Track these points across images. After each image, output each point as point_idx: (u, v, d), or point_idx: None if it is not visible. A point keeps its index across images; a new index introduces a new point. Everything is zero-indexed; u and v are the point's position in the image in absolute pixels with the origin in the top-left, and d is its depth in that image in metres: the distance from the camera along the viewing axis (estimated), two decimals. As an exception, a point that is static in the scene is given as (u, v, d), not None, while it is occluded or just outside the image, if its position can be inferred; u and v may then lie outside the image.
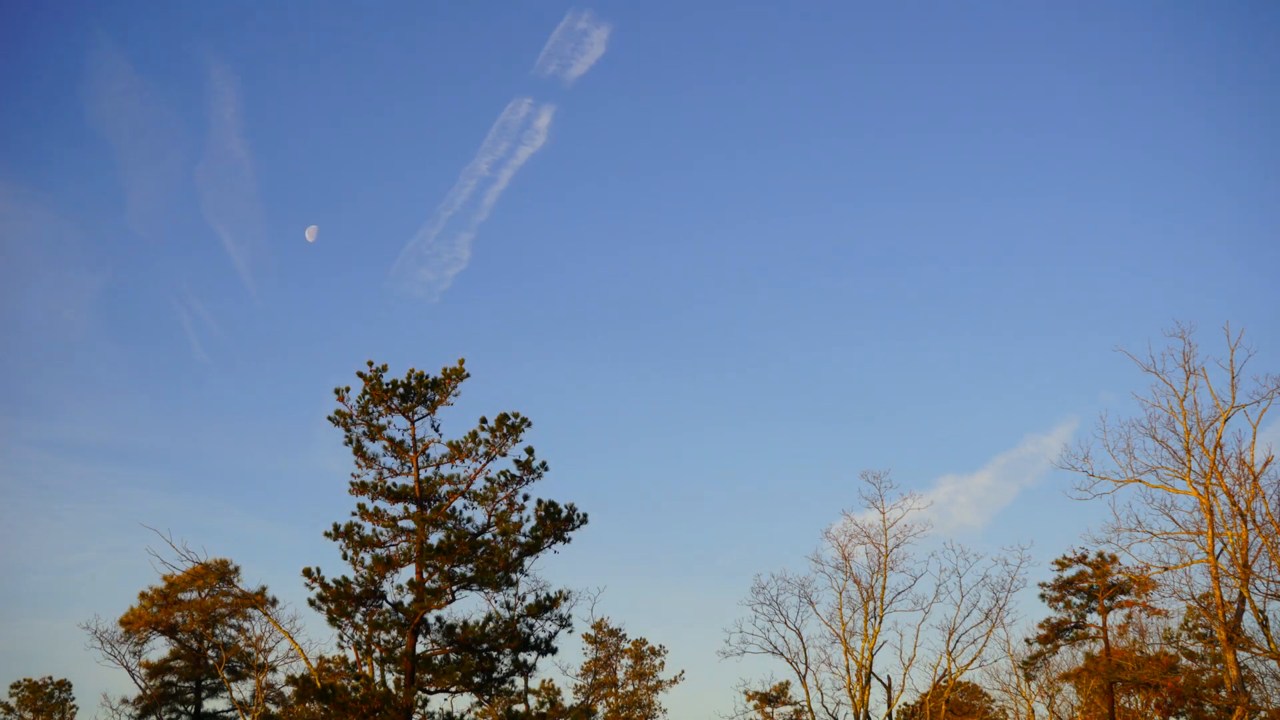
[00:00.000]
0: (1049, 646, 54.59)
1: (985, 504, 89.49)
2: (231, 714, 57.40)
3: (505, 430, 31.78)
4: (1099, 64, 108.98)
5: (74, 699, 64.70)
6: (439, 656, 31.36)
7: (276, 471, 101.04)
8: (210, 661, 55.62)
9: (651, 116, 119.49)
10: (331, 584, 30.64)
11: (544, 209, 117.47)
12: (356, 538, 31.27)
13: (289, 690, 52.20)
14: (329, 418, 32.04)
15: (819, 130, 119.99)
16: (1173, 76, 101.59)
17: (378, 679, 31.71)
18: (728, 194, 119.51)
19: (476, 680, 31.73)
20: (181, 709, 57.28)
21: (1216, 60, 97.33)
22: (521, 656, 32.42)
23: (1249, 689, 35.20)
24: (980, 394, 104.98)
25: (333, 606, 30.66)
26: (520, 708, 45.33)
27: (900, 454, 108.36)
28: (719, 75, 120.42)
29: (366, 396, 31.82)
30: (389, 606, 31.19)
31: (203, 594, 55.17)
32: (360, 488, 31.79)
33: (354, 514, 31.65)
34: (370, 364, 31.85)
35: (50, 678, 64.31)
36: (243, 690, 57.41)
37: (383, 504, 31.82)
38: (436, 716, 32.10)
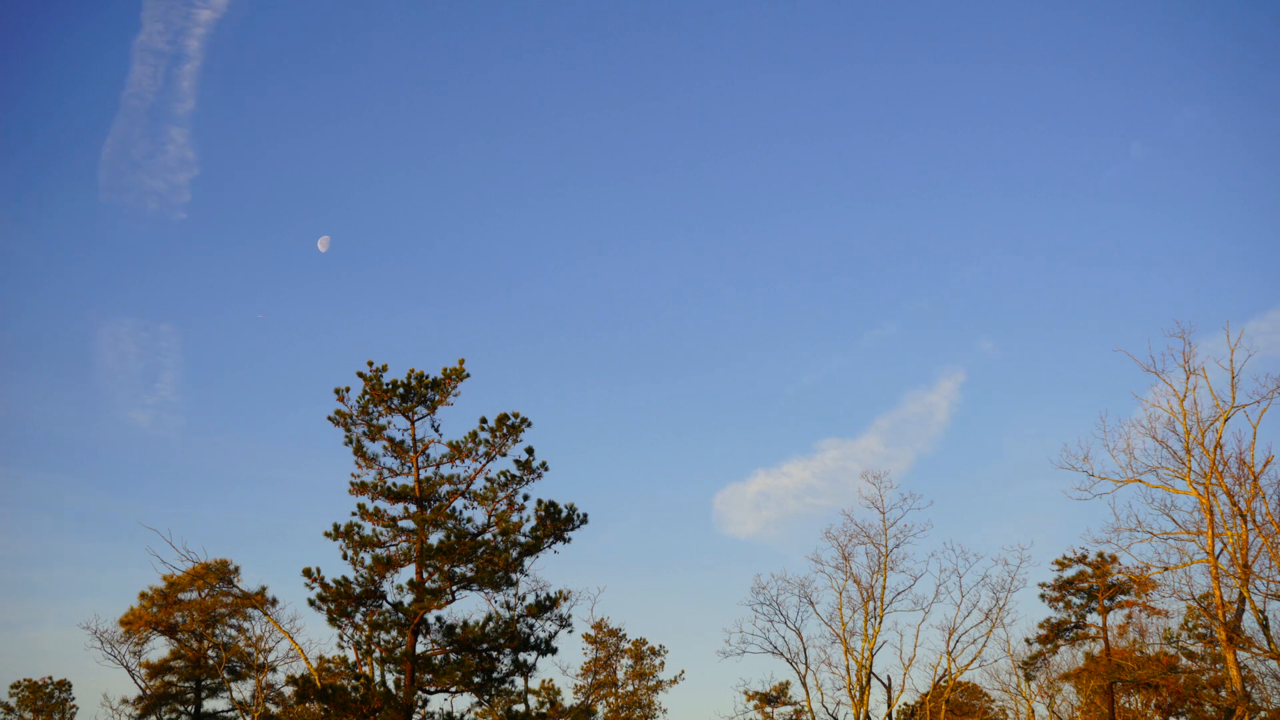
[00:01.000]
0: (1049, 646, 54.58)
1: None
2: (231, 714, 57.39)
3: (505, 430, 31.77)
4: (1099, 64, 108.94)
5: (74, 699, 64.73)
6: (439, 656, 31.35)
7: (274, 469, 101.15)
8: (210, 661, 55.59)
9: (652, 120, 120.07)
10: (331, 584, 30.63)
11: (526, 214, 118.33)
12: (356, 538, 31.25)
13: (289, 690, 52.25)
14: (329, 418, 32.06)
15: (817, 130, 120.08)
16: (1173, 76, 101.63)
17: (378, 679, 31.70)
18: (728, 194, 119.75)
19: (476, 680, 31.72)
20: (181, 709, 57.25)
21: (1217, 60, 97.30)
22: (521, 656, 32.42)
23: (1249, 689, 35.18)
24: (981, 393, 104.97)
25: (333, 606, 30.65)
26: (520, 708, 45.34)
27: (900, 457, 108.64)
28: (711, 77, 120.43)
29: (366, 396, 31.81)
30: (389, 606, 31.18)
31: (203, 594, 55.15)
32: (360, 488, 31.78)
33: (354, 514, 31.66)
34: (370, 364, 31.88)
35: (50, 678, 64.32)
36: (243, 690, 57.43)
37: (383, 504, 31.83)
38: (436, 716, 32.10)
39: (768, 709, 60.27)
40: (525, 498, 32.09)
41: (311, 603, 30.70)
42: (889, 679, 45.20)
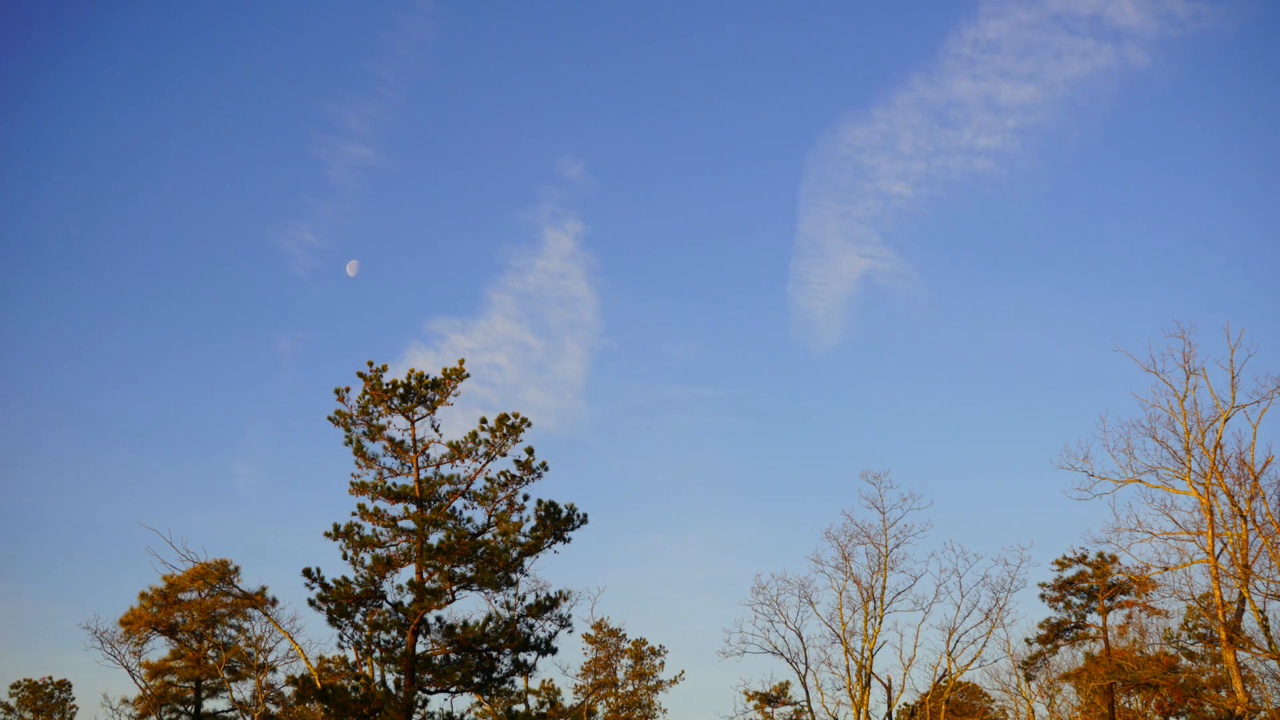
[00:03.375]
0: (1049, 646, 54.60)
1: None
2: (231, 714, 57.40)
3: (505, 430, 31.78)
4: (1099, 67, 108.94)
5: (74, 699, 64.78)
6: (439, 656, 31.36)
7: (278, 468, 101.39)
8: (210, 661, 55.59)
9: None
10: (331, 584, 30.64)
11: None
12: (356, 538, 31.26)
13: (289, 690, 52.27)
14: (329, 418, 32.07)
15: (813, 131, 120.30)
16: (1172, 79, 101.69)
17: (378, 679, 31.71)
18: (726, 198, 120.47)
19: (476, 680, 31.74)
20: (181, 709, 57.27)
21: (1216, 62, 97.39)
22: (521, 656, 32.42)
23: (1249, 689, 35.18)
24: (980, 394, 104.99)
25: (333, 606, 30.66)
26: (520, 708, 45.39)
27: (899, 457, 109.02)
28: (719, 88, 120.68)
29: (366, 396, 31.83)
30: (389, 606, 31.19)
31: (203, 594, 55.17)
32: (360, 488, 31.79)
33: (354, 514, 31.68)
34: (370, 364, 31.89)
35: (50, 678, 64.36)
36: (243, 690, 57.43)
37: (383, 504, 31.84)
38: (436, 716, 32.12)
39: (768, 709, 60.27)
40: (525, 498, 32.15)
41: (311, 603, 30.73)
42: (889, 679, 45.25)
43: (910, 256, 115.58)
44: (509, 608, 35.98)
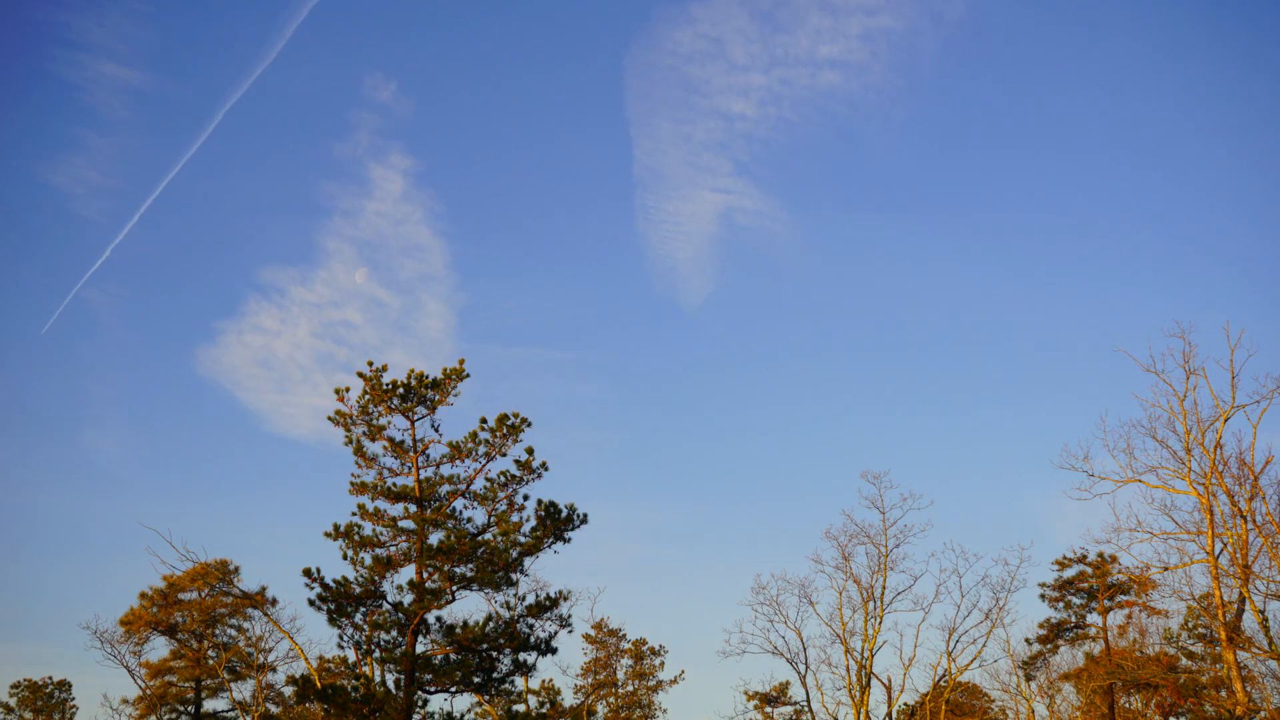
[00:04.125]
0: (1049, 646, 54.59)
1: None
2: (231, 714, 57.38)
3: (505, 430, 31.77)
4: (1099, 70, 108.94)
5: (74, 699, 64.82)
6: (439, 656, 31.35)
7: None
8: (210, 661, 55.58)
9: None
10: (331, 584, 30.63)
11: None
12: (356, 538, 31.25)
13: (289, 690, 52.25)
14: (329, 418, 32.06)
15: (815, 138, 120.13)
16: (1172, 82, 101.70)
17: (378, 679, 31.71)
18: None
19: (476, 680, 31.73)
20: (181, 709, 57.25)
21: (1214, 67, 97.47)
22: (521, 656, 32.41)
23: (1249, 689, 35.16)
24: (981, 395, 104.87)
25: (333, 606, 30.65)
26: (520, 708, 45.39)
27: (899, 455, 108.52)
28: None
29: (366, 396, 31.82)
30: (389, 606, 31.18)
31: (203, 594, 55.16)
32: (360, 488, 31.78)
33: (354, 514, 31.66)
34: (370, 364, 31.88)
35: (50, 678, 64.39)
36: (243, 690, 57.41)
37: (383, 504, 31.82)
38: (436, 716, 32.13)
39: (768, 709, 60.25)
40: (525, 498, 32.12)
41: (311, 603, 30.72)
42: (889, 679, 45.25)
43: (772, 192, 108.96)
44: (509, 608, 35.99)
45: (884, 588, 44.28)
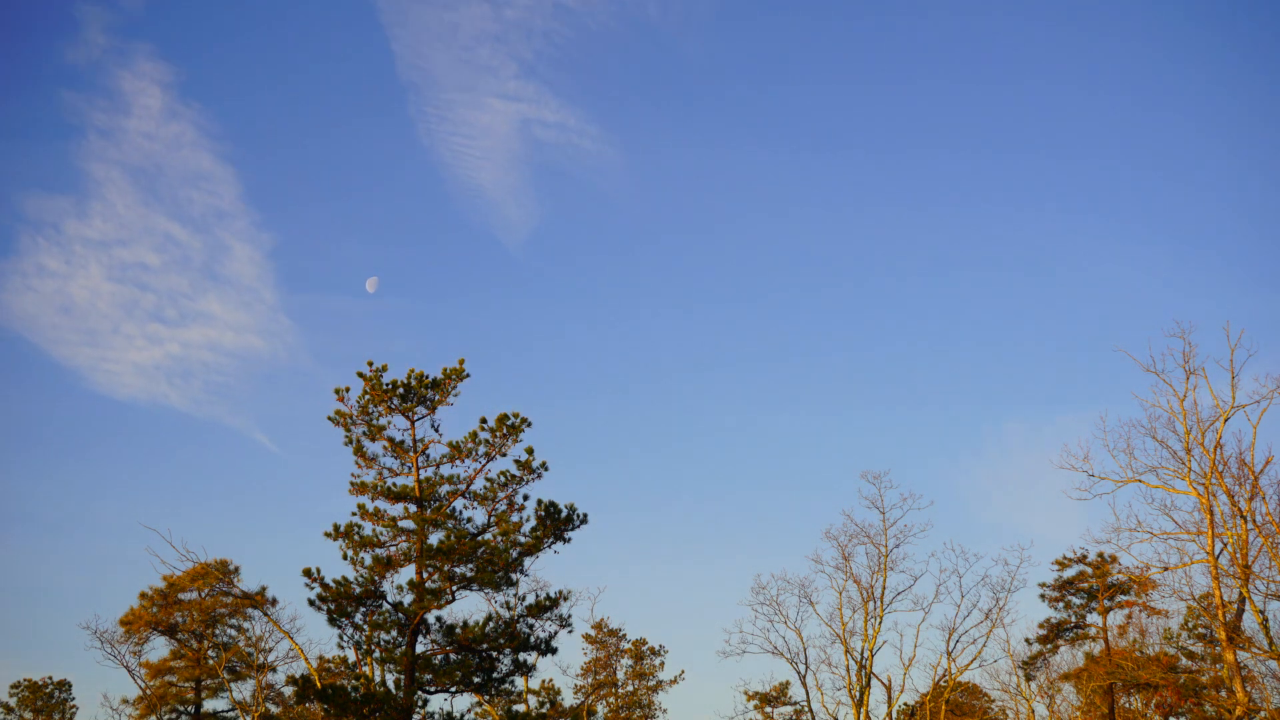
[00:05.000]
0: (1049, 646, 54.60)
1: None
2: (231, 714, 57.38)
3: (505, 430, 31.78)
4: (1099, 71, 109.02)
5: (74, 699, 64.84)
6: (439, 656, 31.36)
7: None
8: (210, 661, 55.58)
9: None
10: (331, 584, 30.64)
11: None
12: (356, 538, 31.27)
13: (289, 690, 52.25)
14: (329, 418, 32.08)
15: (816, 140, 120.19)
16: (1171, 82, 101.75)
17: (378, 679, 31.72)
18: (727, 195, 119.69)
19: (476, 680, 31.74)
20: (181, 709, 57.24)
21: (1214, 66, 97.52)
22: (521, 656, 32.43)
23: (1249, 689, 35.16)
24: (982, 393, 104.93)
25: (333, 606, 30.66)
26: (520, 708, 45.39)
27: (899, 455, 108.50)
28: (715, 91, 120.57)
29: (366, 396, 31.83)
30: (389, 606, 31.19)
31: (203, 594, 55.15)
32: (360, 488, 31.80)
33: (354, 514, 31.69)
34: (370, 364, 31.90)
35: (50, 678, 64.40)
36: (243, 690, 57.41)
37: (383, 504, 31.85)
38: (436, 716, 32.13)
39: (768, 709, 60.24)
40: (525, 498, 32.15)
41: (311, 603, 30.74)
42: (889, 679, 45.25)
43: (574, 102, 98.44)
44: (509, 608, 36.00)
45: (884, 588, 44.32)
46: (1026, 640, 54.70)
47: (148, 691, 56.47)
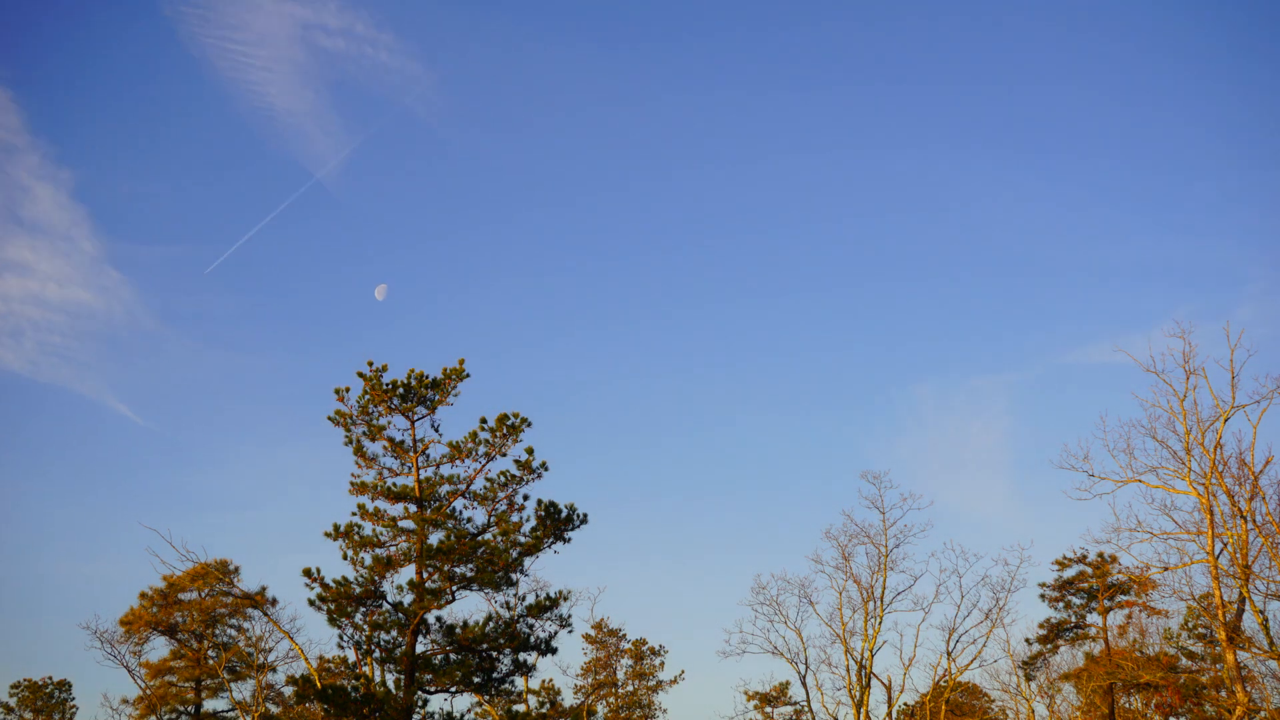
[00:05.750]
0: (1049, 646, 54.60)
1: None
2: (231, 714, 57.38)
3: (505, 430, 31.79)
4: (1099, 70, 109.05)
5: (74, 699, 64.84)
6: (439, 656, 31.36)
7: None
8: (210, 661, 55.58)
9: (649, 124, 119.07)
10: (331, 584, 30.65)
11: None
12: (356, 538, 31.27)
13: (289, 690, 52.24)
14: (329, 418, 32.10)
15: (818, 143, 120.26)
16: (1170, 81, 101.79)
17: (378, 679, 31.71)
18: (733, 199, 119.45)
19: (476, 680, 31.74)
20: (181, 709, 57.24)
21: (1214, 66, 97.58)
22: (521, 656, 32.43)
23: (1249, 689, 35.17)
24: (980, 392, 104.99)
25: (333, 606, 30.67)
26: (520, 708, 45.37)
27: (900, 455, 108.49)
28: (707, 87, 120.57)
29: (366, 396, 31.84)
30: (389, 606, 31.19)
31: (203, 594, 55.15)
32: (360, 488, 31.81)
33: (354, 514, 31.70)
34: (370, 364, 31.91)
35: (50, 678, 64.41)
36: (243, 690, 57.41)
37: (383, 504, 31.86)
38: (436, 716, 32.12)
39: (768, 709, 60.24)
40: (525, 498, 32.16)
41: (311, 603, 30.75)
42: (889, 679, 45.24)
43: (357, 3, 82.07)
44: (509, 608, 35.98)
45: (884, 588, 44.31)
46: (1026, 640, 54.76)
47: (148, 691, 56.47)
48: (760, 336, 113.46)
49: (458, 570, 31.35)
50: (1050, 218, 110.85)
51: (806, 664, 45.50)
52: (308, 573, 30.61)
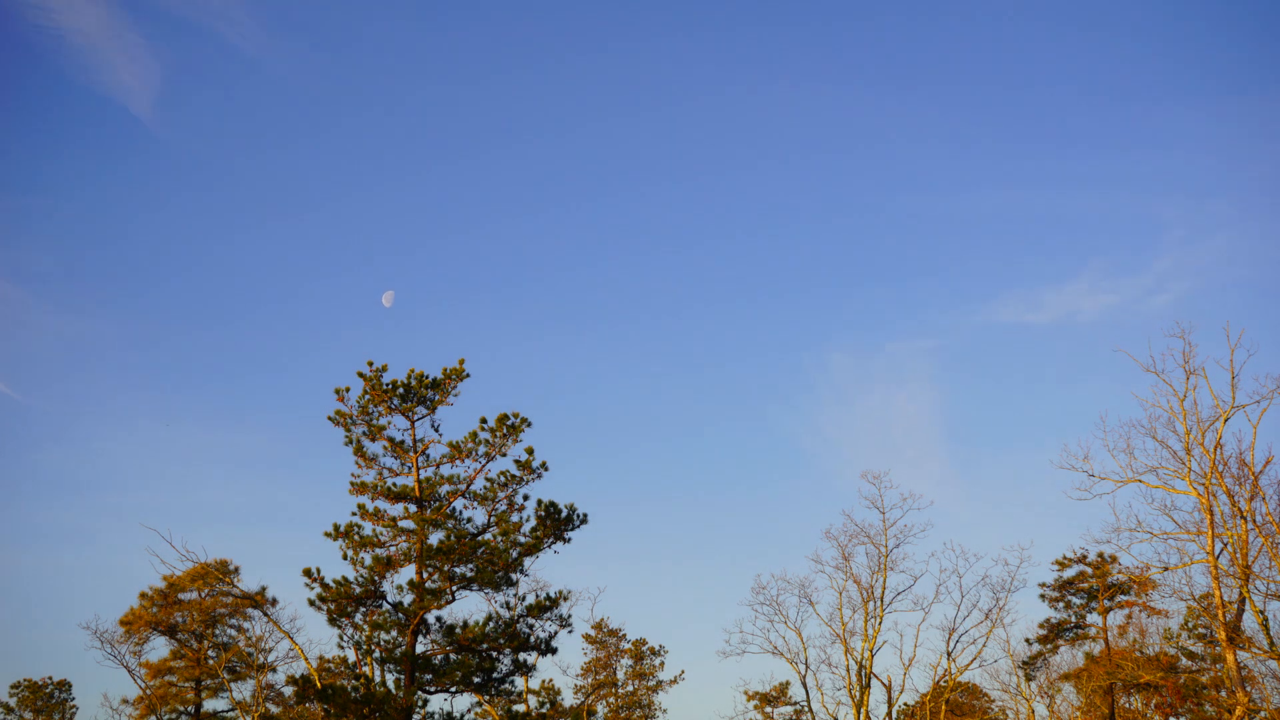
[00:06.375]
0: (1049, 646, 54.60)
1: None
2: (231, 714, 57.37)
3: (505, 430, 31.78)
4: (1098, 69, 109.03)
5: (74, 699, 64.84)
6: (439, 656, 31.36)
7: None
8: (210, 661, 55.58)
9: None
10: (331, 584, 30.65)
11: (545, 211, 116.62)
12: (356, 538, 31.27)
13: (289, 690, 52.25)
14: (329, 417, 32.09)
15: (820, 143, 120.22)
16: (1170, 80, 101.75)
17: (378, 679, 31.70)
18: (739, 202, 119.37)
19: (476, 680, 31.73)
20: (181, 709, 57.25)
21: (1214, 66, 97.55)
22: (521, 656, 32.43)
23: (1249, 689, 35.17)
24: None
25: (333, 606, 30.67)
26: (520, 708, 45.36)
27: (900, 456, 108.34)
28: (715, 86, 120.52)
29: (366, 396, 31.84)
30: (389, 606, 31.19)
31: (203, 594, 55.15)
32: (360, 488, 31.80)
33: (354, 514, 31.69)
34: (370, 364, 31.90)
35: (50, 678, 64.41)
36: (243, 690, 57.40)
37: (383, 504, 31.85)
38: (436, 716, 32.11)
39: (768, 709, 60.25)
40: (525, 498, 32.15)
41: (311, 603, 30.75)
42: (889, 679, 45.25)
43: None
44: (509, 608, 35.98)
45: (884, 588, 44.32)
46: (1026, 640, 54.75)
47: (148, 691, 56.47)
48: (761, 336, 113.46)
49: (458, 570, 31.36)
50: (1048, 215, 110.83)
51: (806, 664, 45.54)
52: (308, 573, 30.62)
